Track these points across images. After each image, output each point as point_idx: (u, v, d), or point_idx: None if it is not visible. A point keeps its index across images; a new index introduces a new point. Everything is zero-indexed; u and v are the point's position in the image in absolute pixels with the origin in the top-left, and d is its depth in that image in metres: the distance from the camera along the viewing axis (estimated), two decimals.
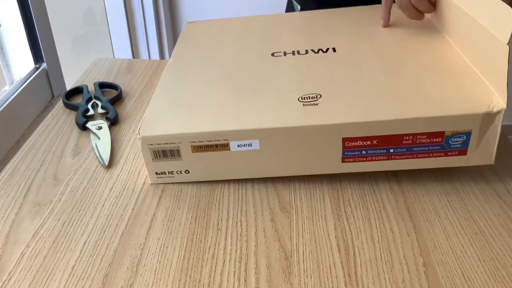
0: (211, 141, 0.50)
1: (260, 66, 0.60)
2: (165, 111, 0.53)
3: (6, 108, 0.69)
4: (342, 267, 0.43)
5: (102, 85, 0.72)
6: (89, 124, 0.62)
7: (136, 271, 0.43)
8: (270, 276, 0.43)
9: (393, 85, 0.53)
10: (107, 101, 0.67)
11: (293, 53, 0.62)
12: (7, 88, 0.76)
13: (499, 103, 0.47)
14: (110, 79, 0.75)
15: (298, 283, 0.42)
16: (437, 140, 0.49)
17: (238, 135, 0.49)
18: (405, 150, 0.50)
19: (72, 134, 0.62)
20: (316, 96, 0.52)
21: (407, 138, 0.49)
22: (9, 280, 0.42)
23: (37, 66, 0.80)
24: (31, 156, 0.58)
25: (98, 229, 0.47)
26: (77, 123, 0.63)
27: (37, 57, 0.79)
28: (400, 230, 0.47)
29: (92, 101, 0.68)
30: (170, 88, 0.58)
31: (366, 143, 0.50)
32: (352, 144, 0.50)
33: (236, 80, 0.57)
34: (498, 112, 0.47)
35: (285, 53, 0.62)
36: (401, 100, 0.50)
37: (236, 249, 0.45)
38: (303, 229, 0.47)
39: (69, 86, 0.73)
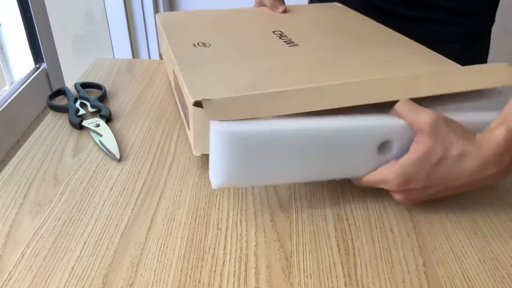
0: None
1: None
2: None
3: (6, 108, 0.69)
4: (342, 267, 0.43)
5: (84, 86, 0.72)
6: (85, 123, 0.62)
7: (136, 271, 0.43)
8: (270, 276, 0.43)
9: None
10: (95, 100, 0.67)
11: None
12: (7, 88, 0.76)
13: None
14: (110, 79, 0.75)
15: (298, 283, 0.42)
16: None
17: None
18: None
19: (72, 134, 0.62)
20: None
21: None
22: (9, 280, 0.42)
23: (37, 66, 0.80)
24: (31, 156, 0.58)
25: (98, 229, 0.47)
26: (73, 123, 0.63)
27: (37, 57, 0.79)
28: (400, 230, 0.47)
29: (79, 101, 0.68)
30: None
31: None
32: None
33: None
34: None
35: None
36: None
37: (236, 249, 0.45)
38: (303, 229, 0.47)
39: (69, 86, 0.73)
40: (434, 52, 0.62)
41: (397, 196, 0.48)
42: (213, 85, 0.53)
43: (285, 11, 0.79)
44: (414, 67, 0.58)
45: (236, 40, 0.68)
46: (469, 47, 0.85)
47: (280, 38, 0.68)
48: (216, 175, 0.46)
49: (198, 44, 0.65)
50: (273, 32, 0.70)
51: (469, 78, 0.54)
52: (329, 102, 0.50)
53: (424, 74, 0.53)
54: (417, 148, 0.45)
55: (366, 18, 0.77)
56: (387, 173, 0.47)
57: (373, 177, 0.48)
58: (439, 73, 0.54)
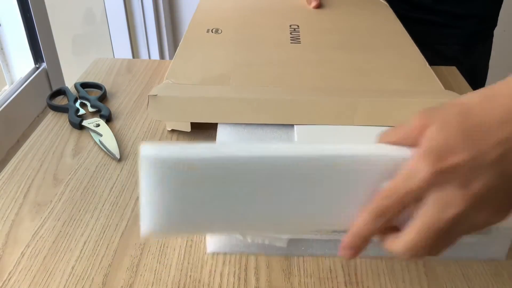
0: None
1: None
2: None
3: (6, 108, 0.69)
4: (342, 267, 0.43)
5: (84, 85, 0.72)
6: (85, 123, 0.62)
7: (136, 271, 0.43)
8: (270, 276, 0.43)
9: None
10: (95, 100, 0.67)
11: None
12: (7, 88, 0.76)
13: None
14: (110, 79, 0.75)
15: (298, 283, 0.42)
16: None
17: None
18: None
19: (72, 134, 0.62)
20: None
21: None
22: (9, 280, 0.42)
23: (37, 66, 0.80)
24: (31, 156, 0.58)
25: (98, 229, 0.47)
26: (73, 123, 0.63)
27: (37, 57, 0.79)
28: None
29: (79, 101, 0.68)
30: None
31: None
32: None
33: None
34: None
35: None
36: None
37: None
38: None
39: (69, 86, 0.73)
40: (428, 69, 0.60)
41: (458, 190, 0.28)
42: (190, 70, 0.59)
43: (317, 7, 0.78)
44: (390, 83, 0.56)
45: (248, 29, 0.70)
46: (471, 49, 0.85)
47: (291, 32, 0.69)
48: (146, 219, 0.33)
49: (211, 30, 0.68)
50: (290, 25, 0.71)
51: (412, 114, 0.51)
52: (259, 116, 0.52)
53: (363, 102, 0.51)
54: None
55: (394, 20, 0.75)
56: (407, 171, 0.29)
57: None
58: (382, 102, 0.51)
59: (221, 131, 0.52)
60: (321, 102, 0.52)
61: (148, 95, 0.53)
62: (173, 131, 0.61)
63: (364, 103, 0.52)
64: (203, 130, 0.60)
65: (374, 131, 0.47)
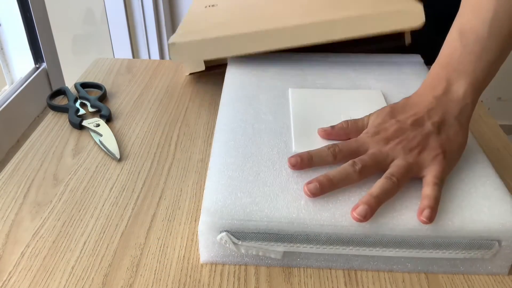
0: None
1: None
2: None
3: (6, 108, 0.69)
4: (342, 267, 0.43)
5: (84, 86, 0.72)
6: (85, 123, 0.62)
7: (136, 271, 0.43)
8: (270, 276, 0.43)
9: None
10: (95, 100, 0.67)
11: None
12: (7, 88, 0.76)
13: None
14: (110, 79, 0.76)
15: (298, 283, 0.42)
16: None
17: None
18: None
19: (72, 134, 0.62)
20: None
21: None
22: (9, 280, 0.42)
23: (37, 66, 0.80)
24: (31, 156, 0.58)
25: (98, 229, 0.47)
26: (73, 123, 0.63)
27: (37, 57, 0.79)
28: None
29: (79, 101, 0.68)
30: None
31: None
32: None
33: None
34: None
35: None
36: None
37: None
38: None
39: (69, 86, 0.73)
40: None
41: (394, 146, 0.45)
42: (197, 25, 0.71)
43: None
44: (362, 6, 0.65)
45: (243, 2, 0.78)
46: None
47: None
48: None
49: (209, 5, 0.79)
50: None
51: (382, 22, 0.62)
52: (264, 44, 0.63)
53: (341, 19, 0.62)
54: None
55: None
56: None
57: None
58: (355, 17, 0.62)
59: (230, 72, 0.63)
60: (307, 25, 0.63)
61: (168, 44, 0.64)
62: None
63: (343, 20, 0.62)
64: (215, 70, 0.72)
65: (363, 95, 0.59)
